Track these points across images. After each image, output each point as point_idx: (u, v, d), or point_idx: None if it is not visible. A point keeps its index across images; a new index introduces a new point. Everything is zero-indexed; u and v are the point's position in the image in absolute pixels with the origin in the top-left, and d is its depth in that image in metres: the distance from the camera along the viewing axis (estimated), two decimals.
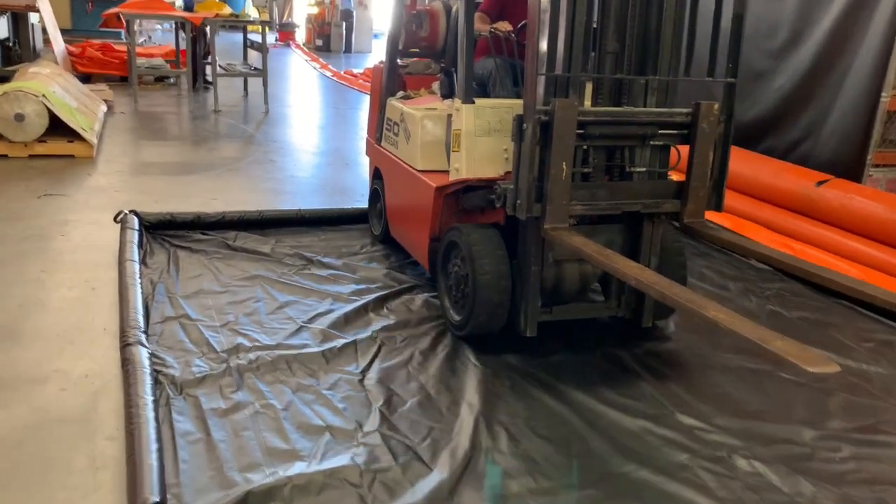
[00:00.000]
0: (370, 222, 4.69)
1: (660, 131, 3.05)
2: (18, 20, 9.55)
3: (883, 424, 2.85)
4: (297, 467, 2.34)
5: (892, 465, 2.60)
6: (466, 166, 3.29)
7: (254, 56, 10.37)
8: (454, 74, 3.68)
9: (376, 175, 4.47)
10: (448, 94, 3.86)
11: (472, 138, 3.27)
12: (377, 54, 18.57)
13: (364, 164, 6.06)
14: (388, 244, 4.40)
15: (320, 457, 2.41)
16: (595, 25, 3.03)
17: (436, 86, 4.17)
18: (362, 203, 4.97)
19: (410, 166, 3.78)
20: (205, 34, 9.44)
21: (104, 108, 7.80)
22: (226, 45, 10.76)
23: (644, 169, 3.09)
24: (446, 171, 3.51)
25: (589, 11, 2.94)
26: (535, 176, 2.85)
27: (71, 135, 6.10)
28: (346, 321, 3.43)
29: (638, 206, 3.03)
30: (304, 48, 19.54)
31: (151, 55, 10.23)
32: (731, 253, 4.68)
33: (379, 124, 4.32)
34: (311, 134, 8.18)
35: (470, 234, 3.15)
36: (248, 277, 3.86)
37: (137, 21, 9.22)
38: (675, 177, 3.28)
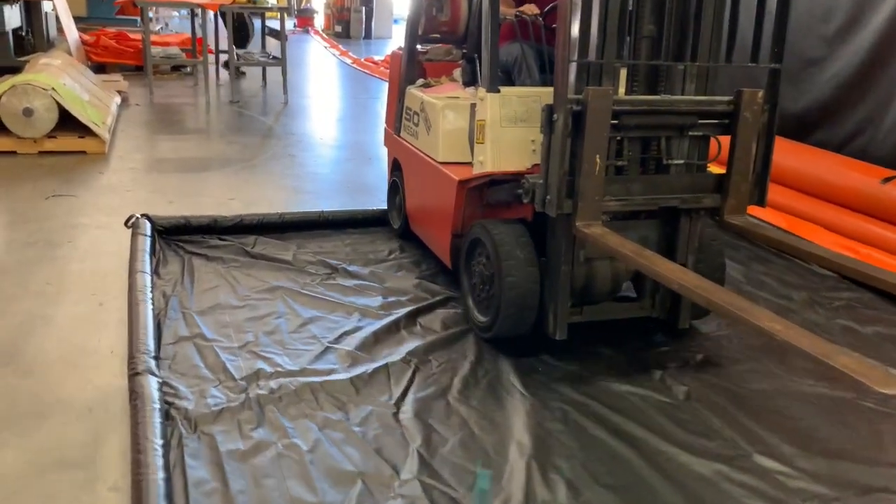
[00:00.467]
0: (389, 216, 4.45)
1: (699, 121, 2.86)
2: (31, 8, 9.28)
3: None
4: None
5: None
6: (491, 159, 3.09)
7: (272, 44, 10.05)
8: (477, 61, 3.54)
9: (395, 167, 4.26)
10: (470, 81, 3.68)
11: (497, 129, 3.07)
12: (398, 40, 18.19)
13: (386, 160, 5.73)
14: (415, 244, 4.07)
15: None
16: (630, 7, 2.84)
17: (457, 73, 3.96)
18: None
19: (431, 158, 3.58)
20: (244, 20, 9.04)
21: (118, 99, 7.52)
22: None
23: (682, 161, 2.90)
24: (469, 164, 3.33)
25: None
26: (566, 170, 2.66)
27: (82, 130, 5.83)
28: (376, 340, 3.11)
29: (675, 202, 2.86)
30: (323, 34, 19.19)
31: (167, 44, 9.92)
32: (791, 257, 4.30)
33: (398, 114, 4.11)
34: (332, 126, 7.86)
35: (495, 231, 2.98)
36: (268, 289, 3.55)
37: (153, 8, 8.89)
38: (714, 169, 3.05)
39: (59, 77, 6.23)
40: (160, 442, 2.24)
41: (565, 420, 2.63)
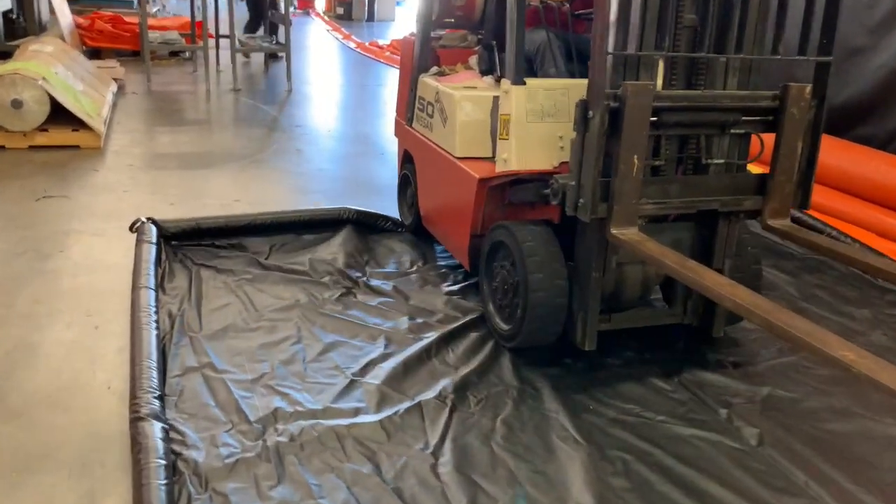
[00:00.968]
0: (399, 211, 4.21)
1: (742, 118, 2.68)
2: None
3: None
4: None
5: None
6: (516, 156, 2.91)
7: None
8: (495, 48, 3.41)
9: (406, 159, 4.03)
10: (488, 70, 3.53)
11: (522, 124, 2.89)
12: (401, 23, 17.74)
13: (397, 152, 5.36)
14: (436, 251, 3.73)
15: None
16: None
17: (473, 60, 3.74)
18: None
19: (447, 152, 3.38)
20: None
21: (114, 88, 7.13)
22: (242, 16, 10.00)
23: (722, 161, 2.74)
24: (488, 159, 3.18)
25: None
26: (600, 171, 2.49)
27: (76, 122, 5.45)
28: (406, 371, 2.78)
29: (715, 204, 2.69)
30: (325, 17, 18.70)
31: (165, 28, 9.50)
32: (847, 267, 3.96)
33: (410, 103, 3.89)
34: (339, 116, 7.48)
35: (521, 235, 2.80)
36: (283, 308, 3.22)
37: None
38: (753, 169, 2.92)
39: (51, 65, 5.84)
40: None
41: (627, 473, 2.30)
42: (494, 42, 3.47)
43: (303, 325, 3.09)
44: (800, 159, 2.73)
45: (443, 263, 3.75)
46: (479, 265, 3.14)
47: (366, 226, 4.11)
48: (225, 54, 9.03)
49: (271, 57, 9.23)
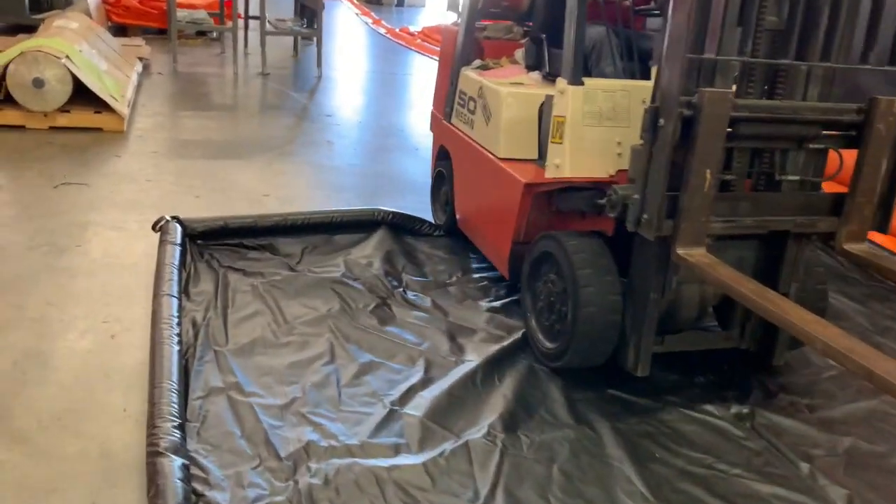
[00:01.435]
0: (432, 209, 4.03)
1: (822, 132, 2.47)
2: None
3: None
4: None
5: None
6: (570, 163, 2.73)
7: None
8: (544, 42, 3.23)
9: (442, 155, 3.84)
10: (535, 65, 3.33)
11: (578, 128, 2.70)
12: (432, 9, 17.40)
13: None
14: (477, 260, 3.46)
15: None
16: None
17: (519, 54, 3.54)
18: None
19: (490, 152, 3.20)
20: None
21: (139, 68, 6.89)
22: None
23: (797, 177, 2.53)
24: (533, 161, 3.02)
25: None
26: (667, 185, 2.29)
27: (99, 104, 5.21)
28: (450, 402, 2.52)
29: (788, 225, 2.49)
30: (354, 0, 18.38)
31: (193, 6, 9.24)
32: None
33: (449, 97, 3.71)
34: (371, 106, 7.20)
35: (572, 248, 2.60)
36: (315, 319, 2.96)
37: None
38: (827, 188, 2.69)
39: (75, 43, 5.60)
40: None
41: None
42: (544, 35, 3.27)
43: (336, 341, 2.83)
44: (882, 179, 2.49)
45: (482, 275, 3.49)
46: (521, 276, 2.94)
47: (401, 228, 3.85)
48: (253, 36, 8.78)
49: (305, 39, 8.94)
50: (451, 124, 3.67)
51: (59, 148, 4.80)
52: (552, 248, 2.69)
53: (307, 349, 2.76)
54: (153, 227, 3.41)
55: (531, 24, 3.59)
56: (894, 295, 3.73)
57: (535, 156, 3.04)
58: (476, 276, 3.50)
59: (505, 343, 2.90)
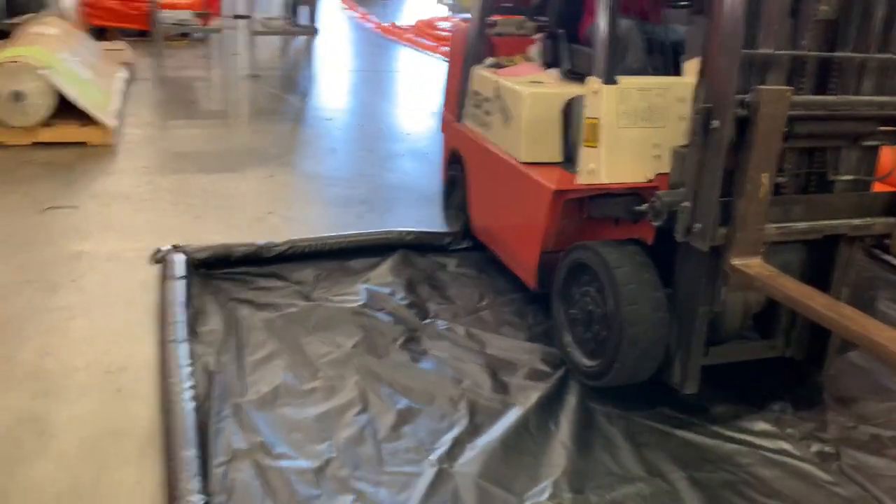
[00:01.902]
0: (445, 216, 3.84)
1: (878, 128, 2.35)
2: None
3: None
4: None
5: None
6: (607, 167, 2.53)
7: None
8: (561, 37, 3.07)
9: (454, 158, 3.66)
10: (552, 62, 3.15)
11: (614, 130, 2.52)
12: (416, 3, 17.00)
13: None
14: (504, 279, 3.18)
15: None
16: None
17: (534, 50, 3.36)
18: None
19: (509, 156, 3.03)
20: None
21: (123, 74, 6.52)
22: None
23: (851, 177, 2.40)
24: (557, 164, 2.88)
25: None
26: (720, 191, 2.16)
27: (84, 116, 4.86)
28: (505, 456, 2.25)
29: (844, 228, 2.36)
30: None
31: (175, 6, 8.84)
32: None
33: (461, 98, 3.52)
34: (371, 108, 6.86)
35: (613, 259, 2.43)
36: (339, 358, 2.68)
37: None
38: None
39: (56, 51, 5.25)
40: None
41: None
42: (561, 30, 3.10)
43: (366, 384, 2.54)
44: None
45: (514, 296, 3.21)
46: (552, 288, 2.76)
47: (419, 248, 3.56)
48: (240, 36, 8.41)
49: (292, 37, 8.57)
50: (464, 126, 3.48)
51: (43, 166, 4.46)
52: (589, 259, 2.52)
53: (335, 396, 2.48)
54: (153, 259, 3.10)
55: (545, 18, 3.45)
56: None
57: (559, 159, 2.90)
58: (508, 296, 3.22)
59: (552, 379, 2.64)
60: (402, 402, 2.46)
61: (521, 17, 3.71)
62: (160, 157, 4.82)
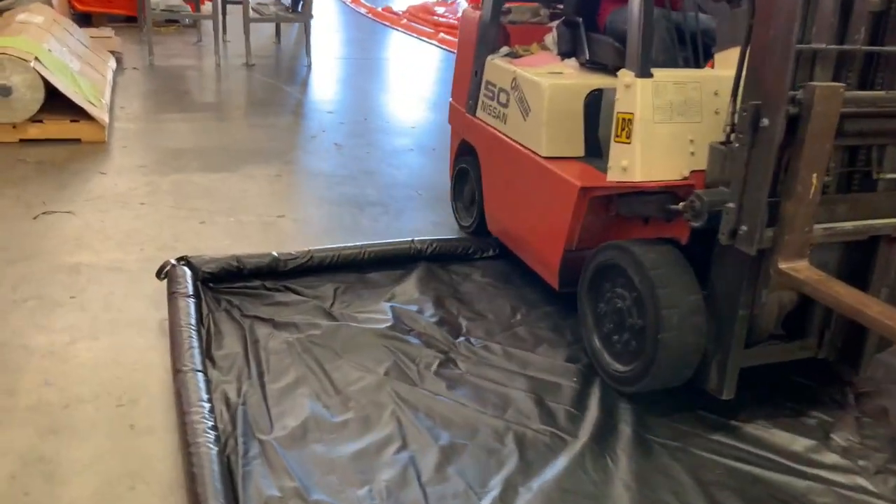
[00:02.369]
0: (454, 209, 3.76)
1: None
2: None
3: None
4: None
5: None
6: (642, 164, 2.41)
7: None
8: (580, 25, 2.99)
9: (464, 151, 3.55)
10: (569, 51, 3.06)
11: (649, 126, 2.41)
12: None
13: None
14: (538, 290, 2.97)
15: None
16: None
17: (549, 39, 3.23)
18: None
19: (530, 150, 2.93)
20: None
21: (113, 64, 6.22)
22: None
23: (894, 175, 2.31)
24: (580, 159, 2.81)
25: None
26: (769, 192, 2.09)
27: (75, 110, 4.58)
28: (563, 499, 2.05)
29: (889, 229, 2.29)
30: None
31: None
32: None
33: (473, 89, 3.39)
34: (372, 99, 6.60)
35: (648, 261, 2.35)
36: (371, 385, 2.46)
37: None
38: None
39: (43, 41, 4.94)
40: None
41: None
42: (580, 17, 3.01)
43: (403, 415, 2.33)
44: None
45: (549, 308, 3.01)
46: (579, 290, 2.67)
47: (442, 258, 3.34)
48: (231, 21, 8.09)
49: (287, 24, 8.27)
50: (477, 118, 3.35)
51: (34, 166, 4.18)
52: (621, 260, 2.43)
53: (371, 429, 2.26)
54: (158, 275, 2.86)
55: (560, 5, 3.33)
56: None
57: (582, 153, 2.83)
58: (542, 309, 3.02)
59: (601, 404, 2.45)
60: (444, 437, 2.25)
61: (536, 4, 3.56)
62: (157, 154, 4.55)
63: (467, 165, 3.52)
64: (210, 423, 2.10)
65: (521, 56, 3.25)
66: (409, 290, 3.07)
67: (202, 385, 2.27)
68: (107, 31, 7.37)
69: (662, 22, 2.74)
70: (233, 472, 2.02)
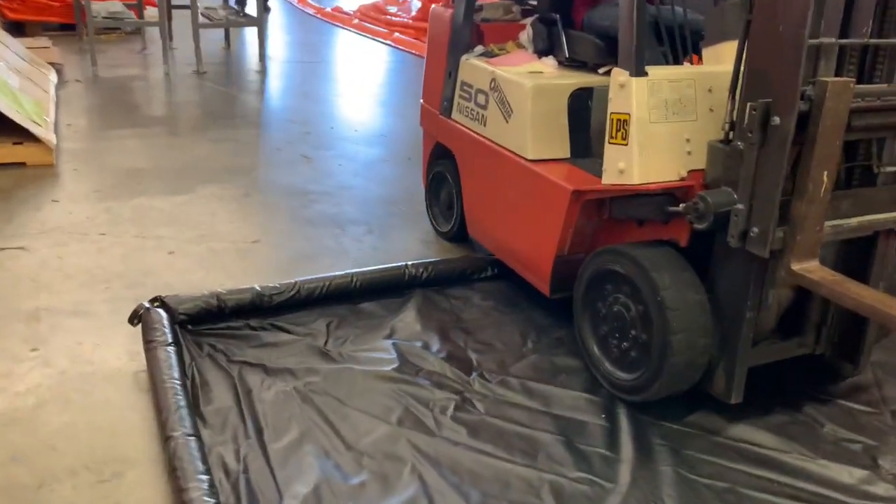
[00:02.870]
0: (430, 215, 3.67)
1: None
2: None
3: None
4: None
5: None
6: (640, 167, 2.33)
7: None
8: (557, 22, 2.93)
9: (439, 154, 3.47)
10: (547, 49, 2.99)
11: (646, 126, 2.32)
12: None
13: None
14: (548, 312, 2.77)
15: None
16: None
17: (524, 37, 3.13)
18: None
19: (513, 153, 2.85)
20: None
21: (54, 77, 5.80)
22: None
23: (894, 168, 2.29)
24: (566, 160, 2.75)
25: None
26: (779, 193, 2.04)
27: (18, 132, 4.20)
28: None
29: (892, 223, 2.25)
30: None
31: None
32: None
33: (447, 90, 3.29)
34: (334, 105, 6.29)
35: (651, 265, 2.28)
36: (385, 438, 2.23)
37: None
38: None
39: None
40: None
41: None
42: (557, 14, 2.96)
43: (425, 471, 2.10)
44: None
45: (562, 332, 2.82)
46: (575, 297, 2.60)
47: (442, 282, 3.12)
48: (178, 27, 7.68)
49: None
50: (453, 120, 3.26)
51: None
52: (621, 264, 2.37)
53: (392, 491, 2.02)
54: (131, 320, 2.57)
55: (532, 2, 3.26)
56: None
57: (567, 154, 2.78)
58: (553, 334, 2.82)
59: (633, 442, 2.25)
60: (474, 496, 2.02)
61: (507, 1, 3.44)
62: (112, 176, 4.19)
63: (443, 169, 3.43)
64: (213, 502, 1.83)
65: (496, 55, 3.15)
66: (409, 322, 2.83)
67: (197, 453, 1.99)
68: (43, 41, 6.91)
69: (648, 18, 2.57)
70: None
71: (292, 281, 2.88)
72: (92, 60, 6.54)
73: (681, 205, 2.22)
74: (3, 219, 3.55)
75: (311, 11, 11.48)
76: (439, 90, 3.33)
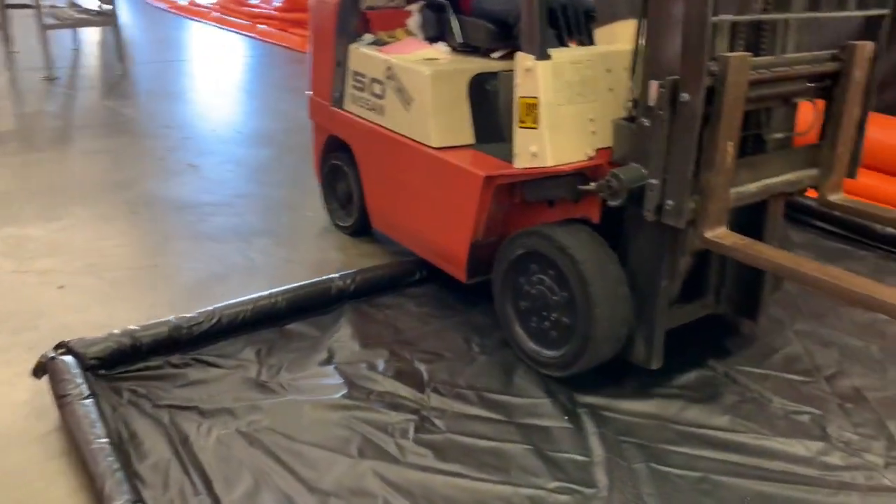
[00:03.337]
0: (328, 210, 3.59)
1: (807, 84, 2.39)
2: None
3: None
4: None
5: None
6: (552, 149, 2.36)
7: None
8: (447, 8, 2.93)
9: (333, 147, 3.40)
10: (438, 35, 3.01)
11: (554, 110, 2.35)
12: None
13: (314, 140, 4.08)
14: (457, 291, 2.69)
15: None
16: None
17: (413, 23, 3.14)
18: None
19: (417, 142, 2.83)
20: None
21: None
22: None
23: (782, 135, 2.47)
24: (471, 146, 2.77)
25: None
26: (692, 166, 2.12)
27: None
28: None
29: (784, 186, 2.39)
30: None
31: None
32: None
33: (337, 80, 3.24)
34: (211, 106, 5.89)
35: (570, 243, 2.35)
36: (347, 474, 2.06)
37: None
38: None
39: None
40: None
41: None
42: (446, 1, 2.95)
43: (398, 503, 1.95)
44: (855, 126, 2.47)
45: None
46: (494, 281, 2.62)
47: (374, 291, 2.96)
48: (21, 27, 6.96)
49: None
50: (347, 111, 3.21)
51: None
52: (540, 245, 2.42)
53: None
54: (35, 373, 2.25)
55: None
56: (856, 247, 3.60)
57: (472, 140, 2.78)
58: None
59: (603, 443, 2.21)
60: None
61: None
62: None
63: (340, 162, 3.36)
64: None
65: (387, 43, 3.11)
66: (346, 342, 2.65)
67: None
68: None
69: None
70: None
71: (210, 308, 2.62)
72: None
73: (592, 183, 2.25)
74: None
75: (162, 6, 10.79)
76: (329, 81, 3.26)
